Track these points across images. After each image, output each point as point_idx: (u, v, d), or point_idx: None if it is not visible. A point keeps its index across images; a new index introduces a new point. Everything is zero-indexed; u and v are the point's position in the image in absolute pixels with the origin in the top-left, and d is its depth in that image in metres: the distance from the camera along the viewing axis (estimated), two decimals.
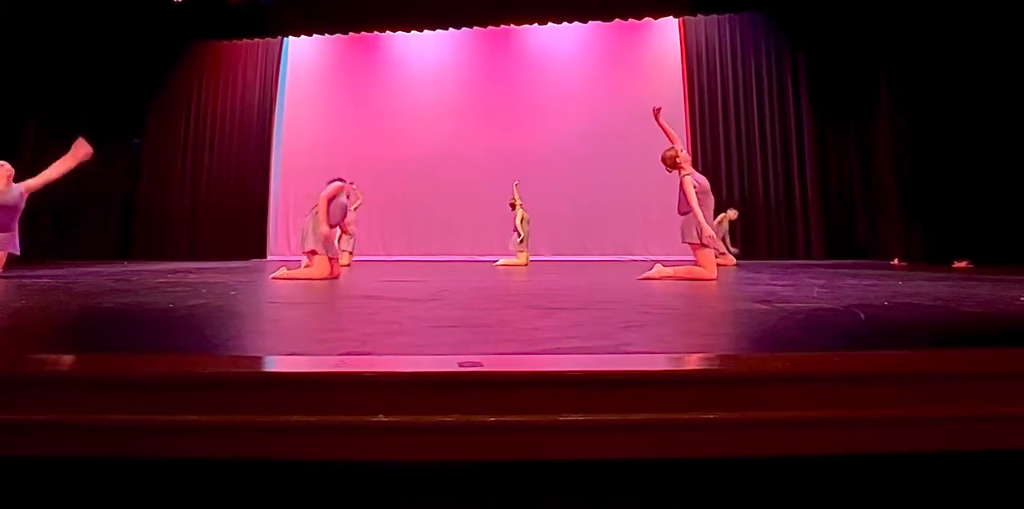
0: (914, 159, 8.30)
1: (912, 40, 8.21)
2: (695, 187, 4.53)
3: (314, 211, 4.69)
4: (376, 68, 11.59)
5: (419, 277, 5.15)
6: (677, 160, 4.70)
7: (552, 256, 10.42)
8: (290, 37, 11.39)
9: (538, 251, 10.31)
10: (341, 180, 4.95)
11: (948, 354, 1.40)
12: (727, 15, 10.45)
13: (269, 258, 10.93)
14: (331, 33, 10.89)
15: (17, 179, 5.03)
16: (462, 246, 10.69)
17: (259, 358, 1.43)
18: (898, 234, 8.65)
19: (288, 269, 4.73)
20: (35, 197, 5.22)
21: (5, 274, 4.90)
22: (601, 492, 1.07)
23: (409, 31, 10.87)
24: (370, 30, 10.77)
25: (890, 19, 8.53)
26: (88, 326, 2.10)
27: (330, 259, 4.66)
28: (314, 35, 11.10)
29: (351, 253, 7.75)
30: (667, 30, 10.94)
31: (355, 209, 4.64)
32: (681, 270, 4.52)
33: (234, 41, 11.30)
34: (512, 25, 10.72)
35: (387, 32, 11.02)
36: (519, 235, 8.35)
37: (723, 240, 7.69)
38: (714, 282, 4.29)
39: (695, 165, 10.43)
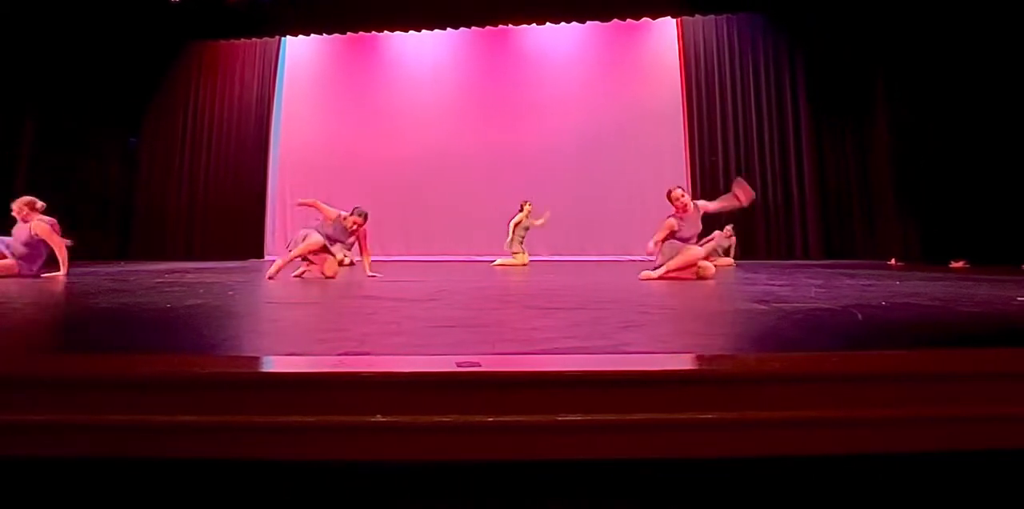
0: (911, 159, 8.32)
1: (909, 41, 8.23)
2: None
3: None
4: (374, 68, 11.58)
5: (417, 277, 5.15)
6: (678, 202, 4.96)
7: (550, 256, 10.41)
8: (288, 37, 11.37)
9: (536, 251, 10.30)
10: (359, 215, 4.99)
11: (946, 354, 1.40)
12: (725, 15, 10.45)
13: (266, 258, 10.91)
14: (329, 33, 10.88)
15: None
16: (460, 246, 10.68)
17: (257, 358, 1.43)
18: (895, 234, 8.66)
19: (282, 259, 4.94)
20: (34, 196, 5.30)
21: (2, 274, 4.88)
22: (600, 492, 1.07)
23: (407, 31, 10.86)
24: (368, 30, 10.75)
25: (888, 20, 8.55)
26: (85, 326, 2.09)
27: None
28: (312, 35, 11.08)
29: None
30: (665, 30, 10.95)
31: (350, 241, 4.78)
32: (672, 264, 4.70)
33: (232, 41, 11.27)
34: (510, 25, 10.72)
35: (385, 32, 11.00)
36: (509, 236, 8.39)
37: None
38: (712, 280, 4.43)
39: (693, 164, 10.48)
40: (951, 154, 7.64)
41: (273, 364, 1.32)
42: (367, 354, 1.44)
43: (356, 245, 5.18)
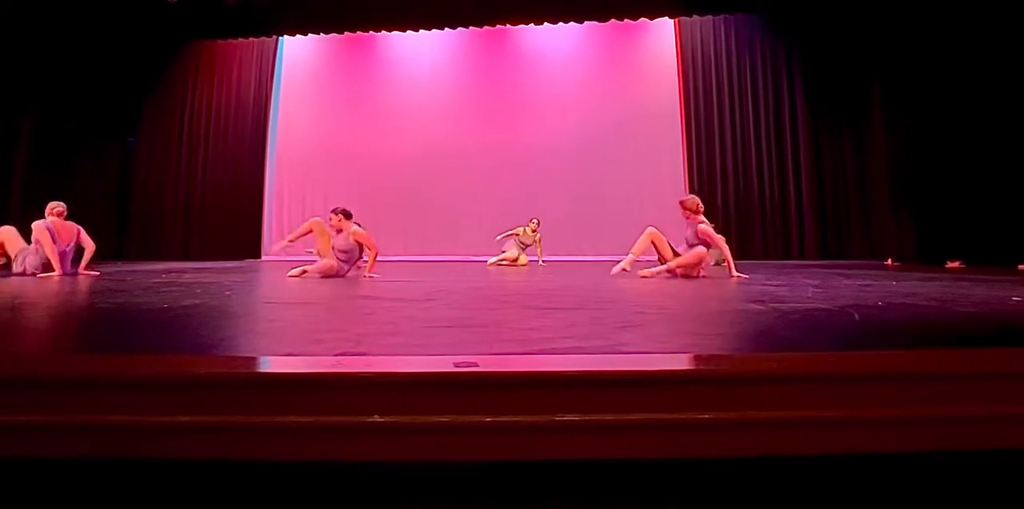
0: (907, 160, 8.35)
1: (906, 42, 8.25)
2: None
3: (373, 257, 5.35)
4: (371, 68, 11.57)
5: (415, 277, 5.14)
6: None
7: (548, 256, 10.42)
8: (285, 36, 11.35)
9: (533, 251, 10.31)
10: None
11: (942, 354, 1.41)
12: (722, 16, 10.47)
13: (263, 258, 10.90)
14: (326, 32, 10.86)
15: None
16: (458, 246, 10.68)
17: (254, 359, 1.43)
18: (892, 234, 8.69)
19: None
20: (31, 196, 5.34)
21: None
22: (598, 492, 1.07)
23: (404, 31, 10.85)
24: (365, 30, 10.74)
25: (884, 21, 8.57)
26: (82, 327, 2.09)
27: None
28: (309, 35, 11.07)
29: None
30: (663, 31, 10.96)
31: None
32: (672, 264, 4.92)
33: (229, 40, 11.25)
34: (508, 25, 10.72)
35: (382, 32, 10.98)
36: (503, 235, 8.59)
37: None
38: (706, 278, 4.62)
39: (691, 164, 10.50)
40: (947, 155, 7.67)
41: (270, 364, 1.32)
42: (364, 354, 1.44)
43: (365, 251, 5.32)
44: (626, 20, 10.29)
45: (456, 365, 1.14)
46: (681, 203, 5.11)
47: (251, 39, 11.29)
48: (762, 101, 10.38)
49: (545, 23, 10.49)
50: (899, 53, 8.45)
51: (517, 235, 8.57)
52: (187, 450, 1.06)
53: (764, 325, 1.94)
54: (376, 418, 1.06)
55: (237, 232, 11.02)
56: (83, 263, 5.34)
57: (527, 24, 10.64)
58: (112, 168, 10.91)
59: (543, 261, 8.71)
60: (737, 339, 1.73)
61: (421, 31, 10.82)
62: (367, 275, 5.15)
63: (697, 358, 1.42)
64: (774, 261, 9.16)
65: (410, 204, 10.87)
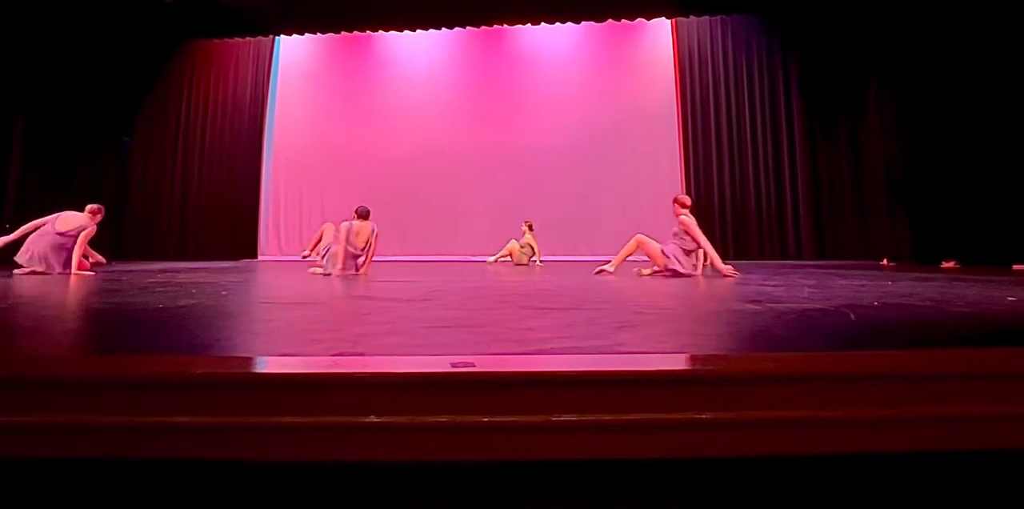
0: (904, 160, 8.38)
1: (902, 43, 8.28)
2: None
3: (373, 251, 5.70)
4: (368, 68, 11.55)
5: (412, 277, 5.14)
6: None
7: (545, 256, 10.42)
8: (282, 36, 11.33)
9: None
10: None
11: (938, 354, 1.41)
12: (719, 16, 10.49)
13: (260, 258, 10.87)
14: (323, 32, 10.84)
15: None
16: (455, 246, 10.67)
17: (251, 359, 1.43)
18: (887, 235, 8.72)
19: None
20: (25, 195, 5.35)
21: None
22: (596, 492, 1.07)
23: (401, 31, 10.84)
24: (362, 29, 10.72)
25: (881, 22, 8.60)
26: (77, 327, 2.08)
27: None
28: (306, 34, 11.05)
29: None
30: (660, 31, 10.97)
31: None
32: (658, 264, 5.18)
33: (225, 40, 11.21)
34: (505, 25, 10.72)
35: (379, 32, 10.97)
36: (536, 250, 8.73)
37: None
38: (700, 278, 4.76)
39: (688, 165, 10.51)
40: (943, 155, 7.70)
41: (267, 365, 1.32)
42: (361, 354, 1.44)
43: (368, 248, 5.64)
44: (623, 20, 10.30)
45: (453, 365, 1.14)
46: (676, 199, 5.36)
47: (248, 39, 11.27)
48: (759, 102, 10.40)
49: (542, 23, 10.50)
50: (895, 54, 8.48)
51: (512, 254, 8.57)
52: (184, 450, 1.06)
53: (761, 325, 1.94)
54: (373, 418, 1.06)
55: (233, 232, 10.99)
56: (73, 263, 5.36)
57: (524, 24, 10.64)
58: (108, 168, 10.86)
59: (540, 261, 8.71)
60: (734, 339, 1.74)
61: (418, 31, 10.82)
62: (361, 273, 5.32)
63: (694, 358, 1.42)
64: (770, 261, 9.18)
65: (407, 204, 10.86)
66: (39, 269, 5.15)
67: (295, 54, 11.68)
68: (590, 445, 1.07)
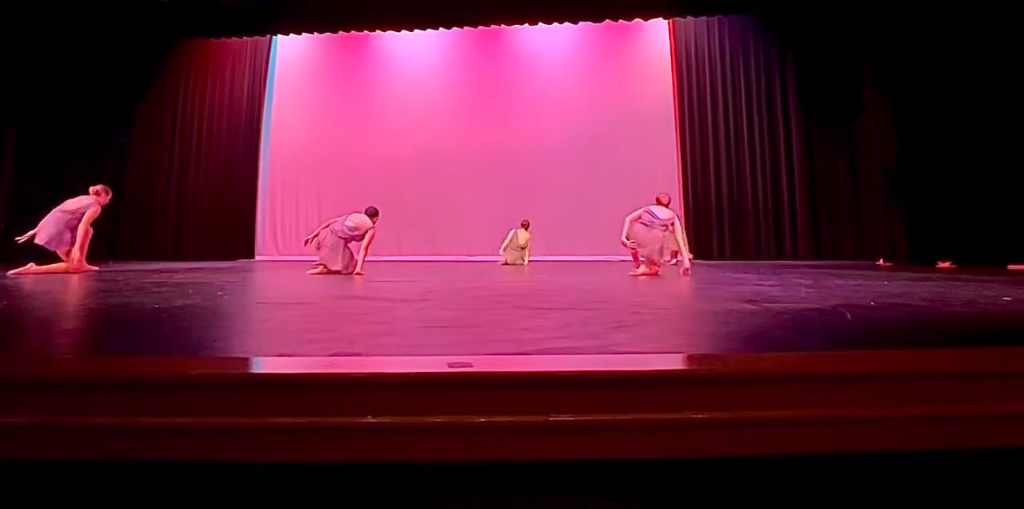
0: (900, 161, 8.41)
1: (898, 43, 8.31)
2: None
3: (365, 247, 5.73)
4: (365, 67, 11.53)
5: (409, 277, 5.13)
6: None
7: (542, 256, 10.42)
8: (279, 35, 11.30)
9: (529, 251, 10.31)
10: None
11: (934, 354, 1.42)
12: (716, 17, 10.50)
13: (257, 258, 10.84)
14: (320, 32, 10.81)
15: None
16: (452, 246, 10.66)
17: (247, 359, 1.42)
18: (884, 235, 8.74)
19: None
20: (21, 196, 5.42)
21: None
22: (593, 492, 1.07)
23: (399, 30, 10.81)
24: (359, 29, 10.70)
25: (877, 22, 8.62)
26: (73, 328, 2.07)
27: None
28: (303, 34, 11.02)
29: None
30: (657, 31, 10.97)
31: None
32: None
33: (222, 39, 11.18)
34: (502, 25, 10.71)
35: (376, 31, 10.95)
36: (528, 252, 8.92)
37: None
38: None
39: (685, 165, 10.53)
40: (939, 156, 7.72)
41: (263, 365, 1.32)
42: (358, 355, 1.44)
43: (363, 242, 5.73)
44: (620, 21, 10.30)
45: (450, 365, 1.14)
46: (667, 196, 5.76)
47: (245, 38, 11.23)
48: (755, 102, 10.42)
49: (540, 23, 10.49)
50: (891, 54, 8.51)
51: (515, 239, 8.81)
52: (181, 452, 1.06)
53: (758, 325, 1.94)
54: (370, 419, 1.06)
55: (230, 232, 10.96)
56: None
57: (521, 24, 10.63)
58: (104, 167, 10.81)
59: (529, 260, 8.85)
60: (731, 339, 1.74)
61: (415, 31, 10.80)
62: (356, 273, 5.43)
63: (691, 358, 1.42)
64: (767, 261, 9.20)
65: (404, 204, 10.84)
66: (51, 248, 5.30)
67: (292, 54, 11.66)
68: (587, 445, 1.07)
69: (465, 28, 10.74)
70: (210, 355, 1.48)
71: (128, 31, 9.83)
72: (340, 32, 10.76)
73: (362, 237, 5.66)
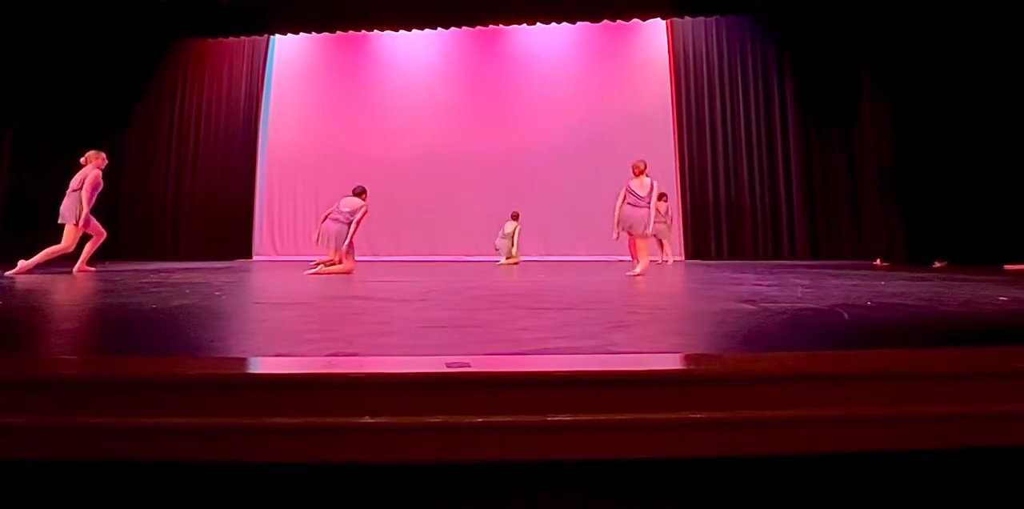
0: (897, 161, 8.41)
1: (896, 44, 8.32)
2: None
3: (356, 222, 5.79)
4: (363, 67, 11.52)
5: (407, 277, 5.13)
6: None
7: (541, 256, 10.42)
8: (276, 35, 11.29)
9: (527, 251, 10.31)
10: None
11: (931, 353, 1.42)
12: (714, 17, 10.52)
13: (254, 258, 10.82)
14: (318, 31, 10.80)
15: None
16: (450, 246, 10.66)
17: (245, 360, 1.42)
18: (881, 235, 8.76)
19: (324, 266, 5.62)
20: (18, 196, 5.45)
21: None
22: (591, 492, 1.07)
23: (397, 30, 10.81)
24: (357, 29, 10.69)
25: (875, 22, 8.63)
26: (70, 328, 2.07)
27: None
28: (301, 33, 11.01)
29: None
30: (655, 31, 10.99)
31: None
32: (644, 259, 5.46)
33: (220, 39, 11.16)
34: (500, 25, 10.71)
35: (374, 31, 10.95)
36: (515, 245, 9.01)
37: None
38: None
39: (683, 165, 10.55)
40: (936, 156, 7.74)
41: (261, 365, 1.31)
42: (356, 355, 1.44)
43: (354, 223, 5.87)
44: (618, 21, 10.31)
45: (448, 365, 1.14)
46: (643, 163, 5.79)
47: (242, 38, 11.22)
48: (753, 101, 10.44)
49: (538, 23, 10.50)
50: (889, 54, 8.52)
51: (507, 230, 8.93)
52: (178, 452, 1.05)
53: (755, 325, 1.95)
54: (368, 419, 1.06)
55: (228, 232, 10.94)
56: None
57: (520, 24, 10.63)
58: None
59: (517, 253, 8.96)
60: (728, 339, 1.74)
61: (413, 31, 10.80)
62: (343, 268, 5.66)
63: (688, 358, 1.42)
64: (764, 261, 9.22)
65: (402, 204, 10.84)
66: (71, 223, 5.45)
67: (290, 53, 11.64)
68: (585, 445, 1.07)
69: (463, 28, 10.74)
70: (208, 355, 1.48)
71: (126, 31, 9.81)
72: (338, 32, 10.75)
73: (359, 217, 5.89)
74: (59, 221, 5.46)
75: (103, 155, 5.90)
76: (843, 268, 6.34)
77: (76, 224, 5.39)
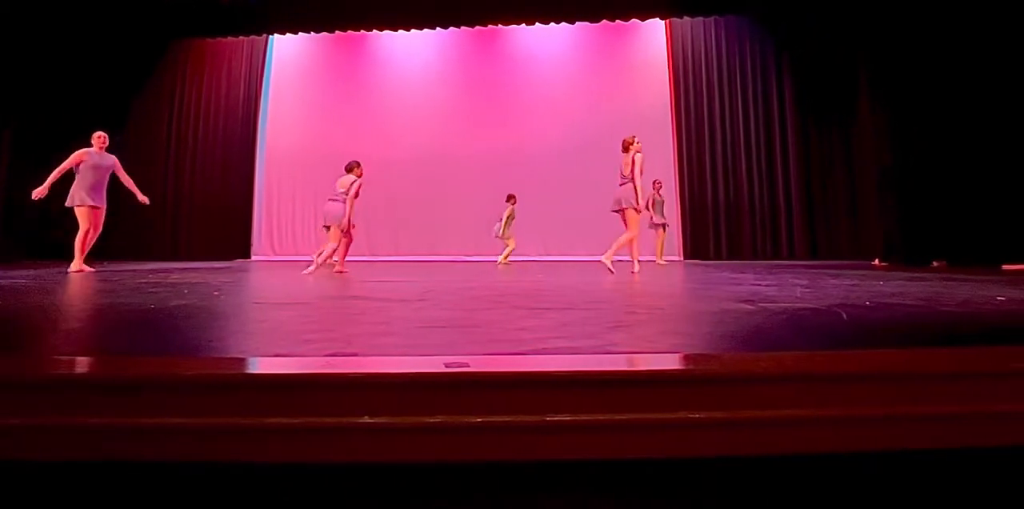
0: (896, 161, 8.42)
1: (895, 44, 8.33)
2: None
3: (352, 196, 5.94)
4: (362, 67, 11.52)
5: (406, 277, 5.13)
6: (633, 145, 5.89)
7: (540, 256, 10.42)
8: (275, 35, 11.28)
9: (526, 251, 10.31)
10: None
11: (930, 353, 1.42)
12: (713, 17, 10.53)
13: (253, 258, 10.81)
14: (317, 31, 10.80)
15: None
16: (449, 246, 10.66)
17: (244, 360, 1.42)
18: (879, 235, 8.77)
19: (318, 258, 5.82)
20: (15, 196, 5.45)
21: None
22: (590, 492, 1.07)
23: (396, 30, 10.81)
24: (356, 29, 10.69)
25: (873, 22, 8.64)
26: (67, 328, 2.06)
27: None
28: (300, 33, 11.01)
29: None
30: (654, 31, 11.00)
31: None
32: (615, 247, 5.55)
33: (219, 39, 11.15)
34: (500, 25, 10.71)
35: (373, 31, 10.95)
36: (502, 228, 9.04)
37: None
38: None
39: (682, 165, 10.55)
40: (935, 156, 7.75)
41: (260, 365, 1.31)
42: (355, 355, 1.44)
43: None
44: (617, 21, 10.32)
45: (447, 365, 1.14)
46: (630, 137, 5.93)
47: (241, 37, 11.21)
48: (751, 101, 10.45)
49: (536, 23, 10.50)
50: (887, 55, 8.53)
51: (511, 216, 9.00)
52: (176, 452, 1.05)
53: (754, 325, 1.95)
54: (367, 419, 1.06)
55: (226, 232, 10.93)
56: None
57: (519, 24, 10.64)
58: None
59: (502, 231, 8.98)
60: (727, 339, 1.74)
61: (412, 30, 10.80)
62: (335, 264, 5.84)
63: (688, 358, 1.42)
64: (763, 261, 9.23)
65: (401, 204, 10.84)
66: (99, 205, 6.01)
67: (289, 53, 11.63)
68: (584, 445, 1.07)
69: (462, 28, 10.74)
70: (207, 355, 1.47)
71: (125, 31, 9.80)
72: (337, 32, 10.74)
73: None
74: (101, 204, 6.00)
75: (98, 136, 6.35)
76: (842, 268, 6.35)
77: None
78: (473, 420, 1.06)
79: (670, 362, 1.35)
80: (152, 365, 1.25)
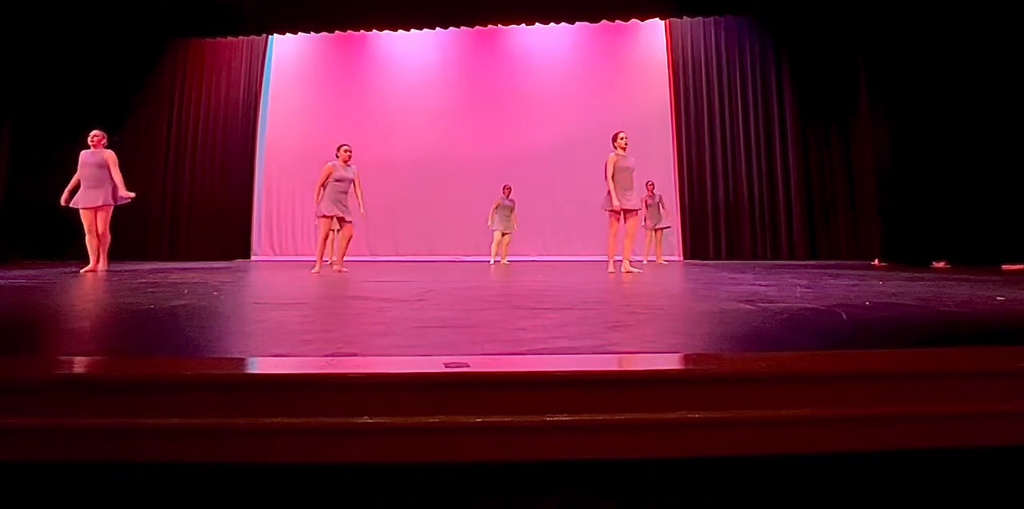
0: (895, 161, 8.43)
1: (894, 45, 8.33)
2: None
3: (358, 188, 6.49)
4: (362, 67, 11.52)
5: (405, 277, 5.13)
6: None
7: (539, 256, 10.43)
8: (275, 35, 11.29)
9: (525, 251, 10.32)
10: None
11: (929, 353, 1.42)
12: (712, 18, 10.54)
13: (253, 258, 10.81)
14: (317, 31, 10.80)
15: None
16: (448, 246, 10.67)
17: (243, 360, 1.42)
18: (879, 235, 8.77)
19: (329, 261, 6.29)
20: (14, 196, 5.40)
21: None
22: (589, 492, 1.07)
23: (396, 30, 10.82)
24: (356, 29, 10.70)
25: (874, 23, 8.65)
26: (66, 328, 2.06)
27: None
28: (299, 33, 11.01)
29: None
30: (654, 31, 11.01)
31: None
32: (624, 252, 5.79)
33: (218, 39, 11.16)
34: (499, 25, 10.72)
35: (373, 31, 10.95)
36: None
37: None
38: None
39: (681, 165, 10.56)
40: (934, 156, 7.75)
41: (259, 366, 1.31)
42: (355, 355, 1.43)
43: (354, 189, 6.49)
44: (617, 21, 10.32)
45: (447, 366, 1.14)
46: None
47: (241, 37, 11.21)
48: (751, 101, 10.46)
49: (536, 23, 10.50)
50: (887, 55, 8.53)
51: (496, 206, 9.04)
52: (175, 453, 1.05)
53: (753, 325, 1.95)
54: (366, 419, 1.06)
55: (226, 232, 10.93)
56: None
57: (518, 24, 10.64)
58: None
59: (490, 224, 9.01)
60: (726, 339, 1.74)
61: (412, 31, 10.80)
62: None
63: (687, 358, 1.42)
64: (763, 261, 9.23)
65: (400, 203, 10.84)
66: (86, 205, 5.91)
67: (289, 53, 11.63)
68: (584, 445, 1.07)
69: (462, 28, 10.74)
70: (206, 356, 1.47)
71: (124, 31, 9.80)
72: (336, 32, 10.75)
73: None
74: (116, 202, 6.13)
75: (93, 134, 6.27)
76: (841, 268, 6.35)
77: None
78: (473, 420, 1.06)
79: (669, 362, 1.35)
80: (151, 365, 1.25)
